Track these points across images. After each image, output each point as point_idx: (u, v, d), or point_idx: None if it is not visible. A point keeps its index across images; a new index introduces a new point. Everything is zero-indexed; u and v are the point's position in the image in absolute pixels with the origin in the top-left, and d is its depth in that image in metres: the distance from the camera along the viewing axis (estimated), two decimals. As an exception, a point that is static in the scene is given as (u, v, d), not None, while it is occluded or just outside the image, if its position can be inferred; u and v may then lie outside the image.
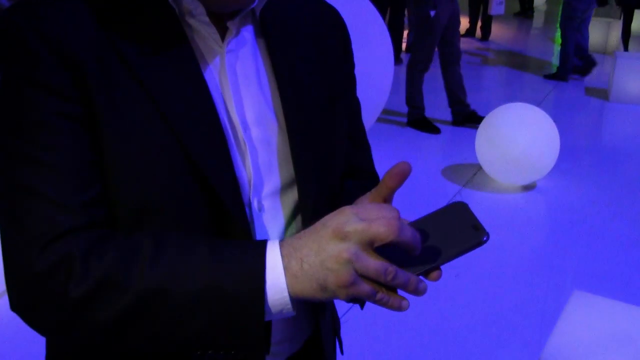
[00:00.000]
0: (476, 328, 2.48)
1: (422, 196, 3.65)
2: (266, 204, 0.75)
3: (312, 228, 0.62)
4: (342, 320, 2.43)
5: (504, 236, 3.23)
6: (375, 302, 0.61)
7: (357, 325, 2.46)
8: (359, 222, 0.59)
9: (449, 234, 0.63)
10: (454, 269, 2.88)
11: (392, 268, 0.60)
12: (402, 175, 0.64)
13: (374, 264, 0.59)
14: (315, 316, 0.87)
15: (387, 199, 0.67)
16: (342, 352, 1.01)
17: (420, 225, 0.65)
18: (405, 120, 5.17)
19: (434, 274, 0.63)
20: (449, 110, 5.25)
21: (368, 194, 0.69)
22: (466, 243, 0.62)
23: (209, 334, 0.62)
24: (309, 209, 0.76)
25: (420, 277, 0.63)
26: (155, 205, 0.66)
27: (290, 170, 0.76)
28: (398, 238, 0.59)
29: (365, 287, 0.60)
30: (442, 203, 3.51)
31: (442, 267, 0.63)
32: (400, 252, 0.61)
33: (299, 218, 0.78)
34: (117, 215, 0.66)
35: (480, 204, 3.58)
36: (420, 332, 2.45)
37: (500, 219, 3.43)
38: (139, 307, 0.61)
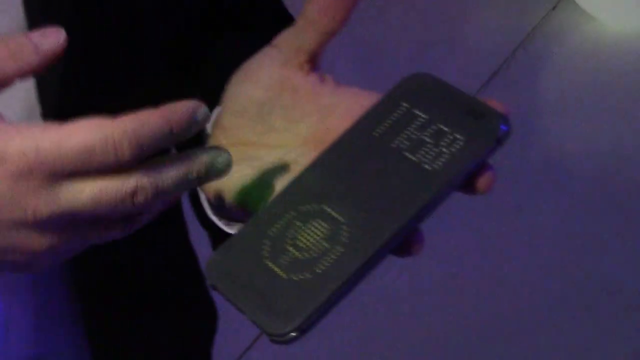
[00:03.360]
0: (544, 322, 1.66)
1: (451, 58, 2.41)
2: None
3: None
4: None
5: (611, 126, 2.04)
6: None
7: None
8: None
9: (422, 143, 0.39)
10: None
11: None
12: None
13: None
14: None
15: (317, 54, 0.43)
16: None
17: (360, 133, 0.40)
18: None
19: (413, 241, 0.38)
20: None
21: (268, 52, 0.43)
22: (469, 151, 0.37)
23: None
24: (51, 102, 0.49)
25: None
26: None
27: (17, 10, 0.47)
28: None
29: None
30: (488, 67, 2.32)
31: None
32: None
33: None
34: None
35: (566, 64, 2.45)
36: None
37: (604, 92, 2.18)
38: None
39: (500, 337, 1.70)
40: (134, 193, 0.36)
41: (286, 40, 0.42)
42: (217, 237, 0.45)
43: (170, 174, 0.37)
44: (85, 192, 0.35)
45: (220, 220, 0.45)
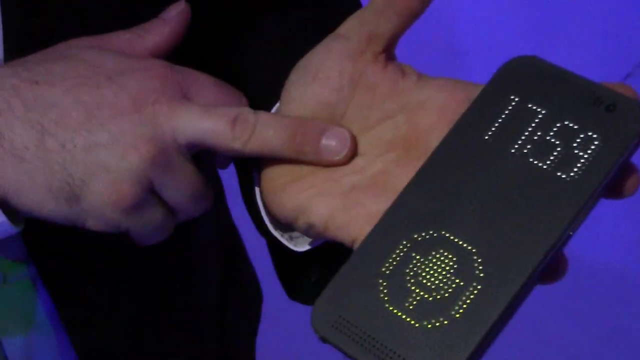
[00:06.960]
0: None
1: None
2: None
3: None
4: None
5: None
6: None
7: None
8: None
9: (549, 146, 0.31)
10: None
11: None
12: None
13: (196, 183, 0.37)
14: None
15: (394, 42, 0.35)
16: None
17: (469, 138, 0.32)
18: None
19: (559, 267, 0.30)
20: None
21: (332, 43, 0.35)
22: (611, 153, 0.29)
23: None
24: None
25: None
26: None
27: None
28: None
29: (154, 216, 0.37)
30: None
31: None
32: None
33: None
34: None
35: None
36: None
37: None
38: None
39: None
40: (235, 119, 0.34)
41: (355, 27, 0.34)
42: (275, 245, 0.39)
43: (273, 127, 0.34)
44: (195, 108, 0.34)
45: (282, 234, 0.38)
